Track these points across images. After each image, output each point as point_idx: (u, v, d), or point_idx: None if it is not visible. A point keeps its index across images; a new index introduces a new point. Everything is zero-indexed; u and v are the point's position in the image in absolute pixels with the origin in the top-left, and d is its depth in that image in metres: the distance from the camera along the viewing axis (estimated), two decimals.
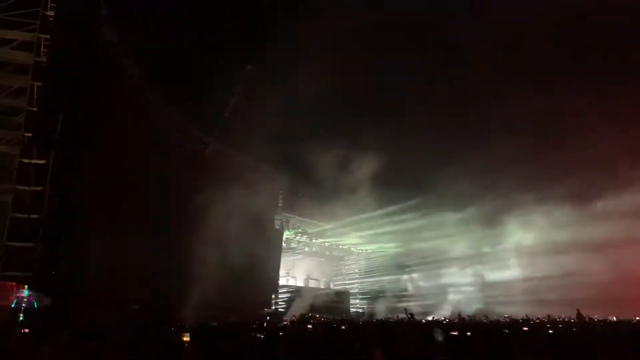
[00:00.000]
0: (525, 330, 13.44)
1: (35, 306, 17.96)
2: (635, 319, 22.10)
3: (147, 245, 21.84)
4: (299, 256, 41.76)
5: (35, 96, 19.58)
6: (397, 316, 17.79)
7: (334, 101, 32.01)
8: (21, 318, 16.75)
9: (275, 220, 36.39)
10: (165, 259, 23.45)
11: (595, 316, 22.64)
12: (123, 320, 16.65)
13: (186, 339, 8.04)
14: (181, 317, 21.80)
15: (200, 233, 23.89)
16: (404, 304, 29.16)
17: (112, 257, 19.89)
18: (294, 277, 40.94)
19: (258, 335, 12.14)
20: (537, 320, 18.96)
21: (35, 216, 18.20)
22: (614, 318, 22.27)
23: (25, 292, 18.12)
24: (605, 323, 18.31)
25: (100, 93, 19.60)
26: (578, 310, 17.44)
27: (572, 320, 17.73)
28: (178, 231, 23.62)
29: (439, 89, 35.67)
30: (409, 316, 15.76)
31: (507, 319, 21.25)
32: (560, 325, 16.14)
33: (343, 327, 15.31)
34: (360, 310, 41.62)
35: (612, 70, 31.66)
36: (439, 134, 34.88)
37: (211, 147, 30.35)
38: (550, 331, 13.01)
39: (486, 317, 20.85)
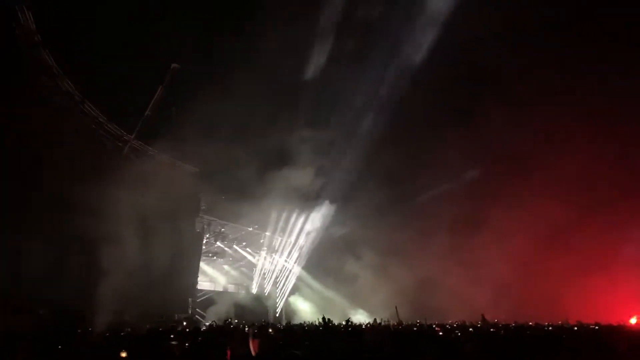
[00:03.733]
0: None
1: None
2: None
3: (56, 247, 20.40)
4: (220, 260, 41.16)
5: None
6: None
7: (265, 101, 31.74)
8: None
9: (196, 223, 35.63)
10: (75, 261, 22.05)
11: None
12: (32, 326, 15.50)
13: (123, 355, 7.96)
14: (93, 323, 20.72)
15: (114, 234, 22.84)
16: None
17: (17, 259, 18.25)
18: (212, 282, 40.23)
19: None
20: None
21: None
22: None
23: None
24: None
25: (12, 82, 18.03)
26: None
27: None
28: (91, 231, 22.31)
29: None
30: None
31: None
32: None
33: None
34: (277, 314, 42.08)
35: None
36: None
37: (130, 145, 29.05)
38: None
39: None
